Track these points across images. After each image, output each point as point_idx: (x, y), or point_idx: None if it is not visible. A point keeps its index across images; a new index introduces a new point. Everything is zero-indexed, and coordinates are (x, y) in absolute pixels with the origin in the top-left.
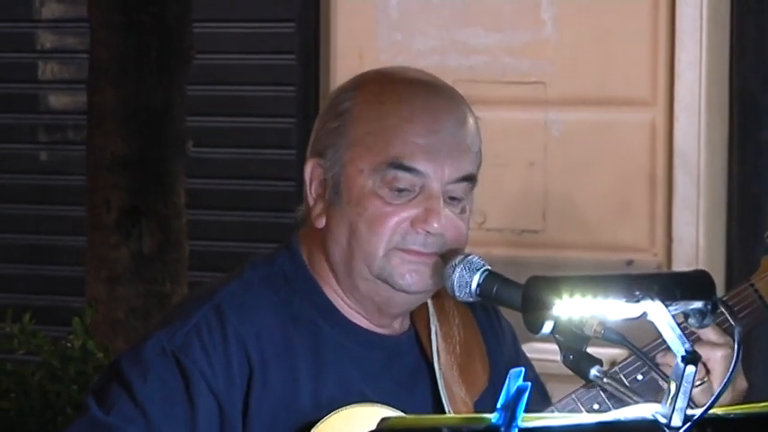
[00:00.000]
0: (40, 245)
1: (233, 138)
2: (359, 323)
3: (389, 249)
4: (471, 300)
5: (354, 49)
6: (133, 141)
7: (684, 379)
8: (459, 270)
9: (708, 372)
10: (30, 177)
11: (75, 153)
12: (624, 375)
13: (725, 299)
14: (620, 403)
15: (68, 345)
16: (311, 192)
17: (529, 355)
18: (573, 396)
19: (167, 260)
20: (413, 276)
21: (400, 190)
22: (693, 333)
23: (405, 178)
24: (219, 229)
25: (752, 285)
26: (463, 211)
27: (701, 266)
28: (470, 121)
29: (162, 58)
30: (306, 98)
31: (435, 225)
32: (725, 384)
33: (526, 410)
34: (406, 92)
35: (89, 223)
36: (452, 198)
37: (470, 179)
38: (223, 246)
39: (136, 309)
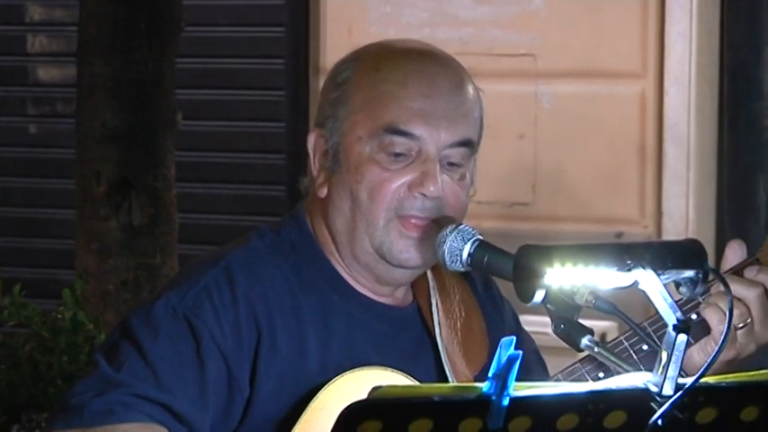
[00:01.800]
0: (30, 218)
1: (222, 110)
2: (364, 293)
3: (389, 219)
4: (462, 269)
5: (344, 21)
6: (123, 114)
7: (676, 347)
8: (450, 239)
9: (750, 313)
10: (19, 150)
11: (64, 126)
12: (630, 345)
13: (730, 273)
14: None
15: (59, 316)
16: (315, 163)
17: None
18: (579, 363)
19: (157, 233)
20: (410, 251)
21: (397, 155)
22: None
23: (401, 143)
24: (209, 201)
25: (758, 260)
26: (462, 177)
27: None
28: (468, 87)
29: (151, 31)
30: (295, 71)
31: (432, 188)
32: (717, 352)
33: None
34: (402, 59)
35: (78, 196)
36: (451, 164)
37: (468, 144)
38: (213, 219)
39: (126, 281)
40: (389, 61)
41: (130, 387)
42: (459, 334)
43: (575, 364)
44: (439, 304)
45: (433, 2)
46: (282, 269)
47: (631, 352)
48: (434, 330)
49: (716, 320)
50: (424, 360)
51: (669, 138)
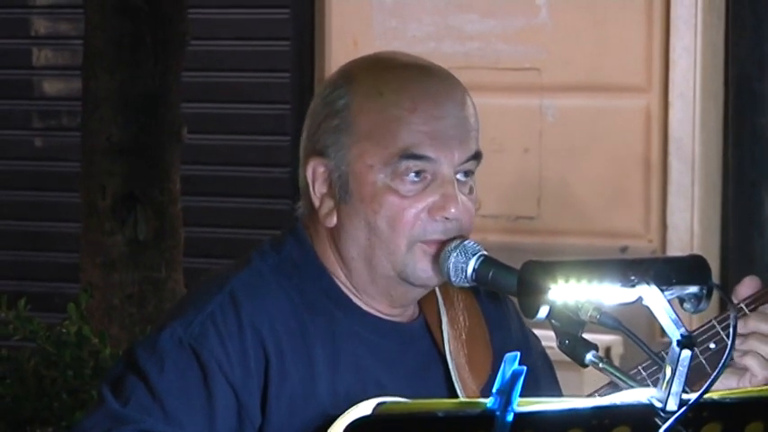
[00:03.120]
0: (35, 231)
1: (228, 124)
2: (370, 311)
3: (412, 244)
4: (467, 285)
5: (349, 35)
6: (128, 127)
7: (680, 363)
8: (455, 255)
9: None
10: (24, 164)
11: (69, 139)
12: (648, 375)
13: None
14: None
15: (64, 330)
16: (315, 192)
17: None
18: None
19: (163, 247)
20: (434, 269)
21: (416, 174)
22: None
23: (416, 167)
24: (214, 215)
25: None
26: (471, 191)
27: (695, 252)
28: (468, 100)
29: (157, 44)
30: (300, 84)
31: (453, 210)
32: (721, 367)
33: (536, 383)
34: (403, 80)
35: (84, 209)
36: (464, 174)
37: (478, 157)
38: (218, 232)
39: (131, 295)
40: (392, 84)
41: (138, 422)
42: (464, 344)
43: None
44: (446, 317)
45: (438, 16)
46: (287, 290)
47: (649, 382)
48: (443, 345)
49: (758, 368)
50: (432, 375)
51: (674, 152)
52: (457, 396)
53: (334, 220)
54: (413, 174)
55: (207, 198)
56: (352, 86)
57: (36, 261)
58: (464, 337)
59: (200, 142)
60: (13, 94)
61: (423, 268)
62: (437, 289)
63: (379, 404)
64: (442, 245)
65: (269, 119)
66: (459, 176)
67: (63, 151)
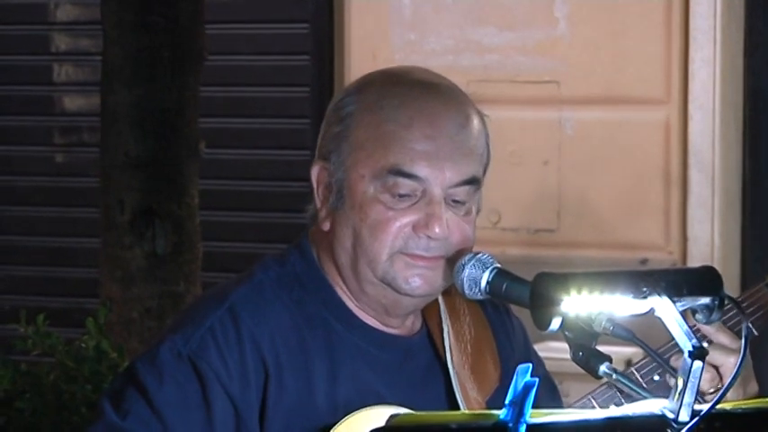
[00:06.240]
0: (55, 247)
1: (247, 139)
2: (371, 324)
3: (393, 254)
4: (481, 297)
5: (368, 49)
6: (146, 142)
7: (692, 374)
8: (468, 268)
9: (721, 379)
10: (45, 179)
11: (90, 155)
12: (641, 376)
13: (739, 299)
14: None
15: (82, 345)
16: (318, 195)
17: (542, 353)
18: (590, 396)
19: (181, 261)
20: (417, 281)
21: (401, 196)
22: (706, 337)
23: (405, 184)
24: (233, 230)
25: (767, 285)
26: (468, 212)
27: (716, 264)
28: (474, 122)
29: (175, 60)
30: (320, 99)
31: (437, 230)
32: (733, 378)
33: (536, 407)
34: (406, 96)
35: (103, 224)
36: (455, 201)
37: (473, 182)
38: (236, 246)
39: (150, 309)
40: (393, 99)
41: None
42: (469, 357)
43: (586, 396)
44: (450, 329)
45: (456, 29)
46: (287, 304)
47: (642, 383)
48: (445, 357)
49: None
50: (433, 388)
51: (694, 163)
52: (458, 408)
53: (328, 225)
54: (399, 192)
55: (225, 212)
56: (361, 96)
57: (55, 276)
58: (469, 349)
59: (220, 157)
60: (34, 110)
61: (404, 277)
62: (441, 302)
63: (392, 416)
64: (429, 261)
65: (288, 133)
66: (454, 198)
67: (84, 167)
